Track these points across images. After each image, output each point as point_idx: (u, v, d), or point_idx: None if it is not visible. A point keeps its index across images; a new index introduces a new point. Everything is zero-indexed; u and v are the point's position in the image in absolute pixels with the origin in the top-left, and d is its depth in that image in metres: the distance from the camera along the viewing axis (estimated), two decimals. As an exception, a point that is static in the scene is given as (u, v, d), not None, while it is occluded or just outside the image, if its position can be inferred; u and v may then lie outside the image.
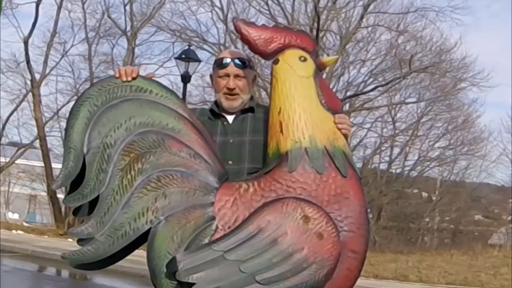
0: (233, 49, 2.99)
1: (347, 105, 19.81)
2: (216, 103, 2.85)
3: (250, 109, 2.82)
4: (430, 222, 26.24)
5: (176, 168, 2.19)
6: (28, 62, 20.75)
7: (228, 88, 2.75)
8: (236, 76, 2.74)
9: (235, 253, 2.08)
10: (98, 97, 2.22)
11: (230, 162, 2.71)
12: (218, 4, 20.37)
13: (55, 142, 23.78)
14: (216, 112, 2.81)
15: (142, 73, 2.34)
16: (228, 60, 2.76)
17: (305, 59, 2.30)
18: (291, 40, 2.31)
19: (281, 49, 2.31)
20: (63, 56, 22.25)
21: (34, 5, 20.80)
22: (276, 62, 2.31)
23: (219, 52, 20.88)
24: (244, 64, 2.76)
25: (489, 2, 41.52)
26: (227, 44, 20.68)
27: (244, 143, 2.81)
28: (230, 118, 2.82)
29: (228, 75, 2.75)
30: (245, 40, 2.32)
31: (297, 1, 19.86)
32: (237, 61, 2.74)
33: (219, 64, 2.78)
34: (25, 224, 24.77)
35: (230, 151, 2.76)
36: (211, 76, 2.91)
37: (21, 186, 28.87)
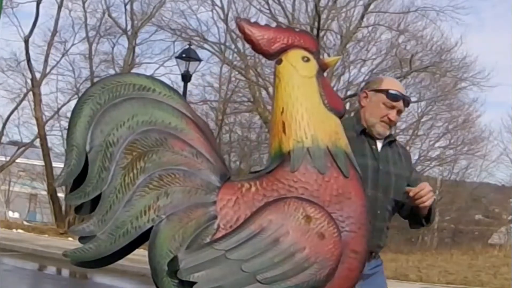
0: (398, 81, 3.26)
1: (348, 104, 19.80)
2: (359, 120, 2.95)
3: (391, 140, 2.98)
4: (430, 221, 26.20)
5: (179, 167, 2.19)
6: (28, 61, 20.78)
7: (389, 119, 2.90)
8: (398, 111, 2.92)
9: (236, 252, 2.08)
10: (101, 95, 2.22)
11: (380, 189, 2.88)
12: (218, 3, 20.42)
13: (55, 141, 23.86)
14: (368, 133, 2.92)
15: (142, 72, 2.34)
16: (400, 96, 2.89)
17: (308, 59, 2.30)
18: (294, 40, 2.31)
19: (284, 49, 2.31)
20: (63, 55, 22.32)
21: (34, 4, 20.85)
22: (279, 62, 2.31)
23: (220, 51, 20.93)
24: (408, 103, 2.95)
25: (495, 2, 41.53)
26: (227, 43, 20.68)
27: (390, 173, 2.94)
28: (379, 144, 2.95)
29: (393, 108, 2.90)
30: (248, 40, 2.32)
31: (297, 1, 19.90)
32: (407, 100, 2.91)
33: (390, 95, 2.88)
34: (25, 223, 24.80)
35: (382, 179, 2.90)
36: (364, 91, 3.00)
37: (21, 185, 28.91)
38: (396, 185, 2.96)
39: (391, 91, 2.92)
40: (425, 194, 2.87)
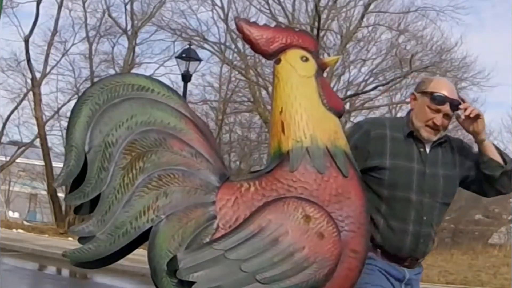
0: (448, 82, 3.00)
1: (348, 104, 19.83)
2: (408, 122, 2.84)
3: (443, 141, 2.87)
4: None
5: (178, 167, 2.19)
6: (28, 61, 20.78)
7: (434, 123, 2.78)
8: (445, 115, 2.78)
9: (235, 252, 2.08)
10: (100, 95, 2.22)
11: (427, 195, 2.79)
12: (218, 3, 20.41)
13: (55, 141, 23.85)
14: (416, 136, 2.81)
15: (142, 72, 2.34)
16: (446, 99, 2.75)
17: (307, 59, 2.30)
18: (293, 40, 2.31)
19: (283, 49, 2.31)
20: (63, 55, 22.32)
21: (34, 4, 20.85)
22: (278, 62, 2.31)
23: (220, 51, 20.95)
24: (457, 106, 2.77)
25: (495, 2, 41.54)
26: (227, 43, 20.68)
27: (437, 175, 2.84)
28: (427, 147, 2.84)
29: (439, 111, 2.77)
30: (247, 40, 2.32)
31: (297, 1, 19.91)
32: (454, 103, 2.76)
33: (433, 99, 2.77)
34: (25, 222, 24.80)
35: (428, 183, 2.80)
36: (413, 92, 2.89)
37: (21, 185, 28.91)
38: (444, 188, 2.87)
39: (435, 95, 2.80)
40: (470, 106, 2.79)
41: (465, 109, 2.80)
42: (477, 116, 2.81)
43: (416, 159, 2.82)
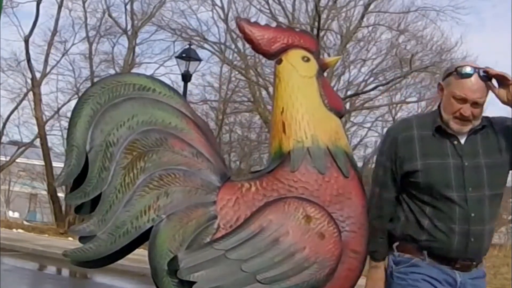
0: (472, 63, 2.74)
1: (348, 104, 19.82)
2: (437, 116, 2.64)
3: (481, 127, 2.63)
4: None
5: (179, 166, 2.19)
6: (28, 60, 20.77)
7: (461, 114, 2.55)
8: (474, 103, 2.54)
9: (236, 252, 2.08)
10: (101, 95, 2.22)
11: (470, 189, 2.57)
12: (218, 3, 20.39)
13: (55, 141, 23.83)
14: (447, 131, 2.61)
15: (142, 72, 2.34)
16: (473, 70, 2.52)
17: (308, 59, 2.30)
18: (294, 40, 2.31)
19: (284, 49, 2.31)
20: (63, 55, 22.29)
21: (35, 4, 20.83)
22: (279, 62, 2.31)
23: (220, 51, 20.95)
24: (487, 75, 2.54)
25: (496, 2, 41.56)
26: (227, 43, 20.67)
27: (479, 166, 2.60)
28: (462, 138, 2.62)
29: (465, 101, 2.54)
30: (248, 40, 2.32)
31: (297, 1, 19.88)
32: (481, 72, 2.53)
33: (461, 73, 2.55)
34: (25, 222, 24.78)
35: (469, 177, 2.58)
36: (440, 84, 2.67)
37: (21, 184, 28.89)
38: (490, 178, 2.61)
39: (459, 69, 2.54)
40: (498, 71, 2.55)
41: (494, 74, 2.56)
42: (506, 80, 2.55)
43: (451, 153, 2.60)
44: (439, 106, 2.69)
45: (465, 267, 2.64)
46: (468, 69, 2.55)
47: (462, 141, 2.62)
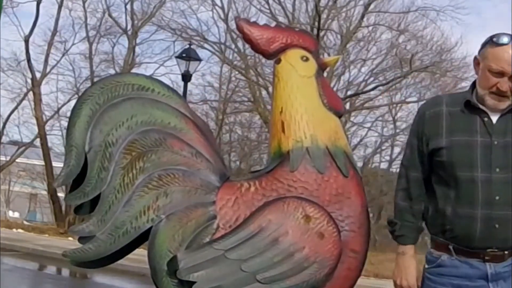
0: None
1: (348, 104, 19.82)
2: (474, 92, 2.49)
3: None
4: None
5: (178, 166, 2.19)
6: (28, 60, 20.79)
7: (498, 89, 2.39)
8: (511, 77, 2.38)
9: (236, 252, 2.08)
10: (100, 95, 2.22)
11: (497, 170, 2.40)
12: (218, 3, 20.41)
13: (55, 140, 23.86)
14: (478, 107, 2.45)
15: (142, 72, 2.34)
16: (508, 39, 2.37)
17: (307, 59, 2.30)
18: (293, 39, 2.31)
19: (283, 49, 2.31)
20: (63, 54, 22.31)
21: (35, 3, 20.85)
22: (278, 61, 2.31)
23: (220, 51, 20.97)
24: None
25: (496, 2, 41.55)
26: (227, 43, 20.68)
27: (509, 146, 2.42)
28: (494, 117, 2.45)
29: (502, 74, 2.38)
30: (247, 40, 2.32)
31: (297, 0, 19.90)
32: None
33: (497, 42, 2.40)
34: (25, 222, 24.79)
35: (496, 156, 2.40)
36: (476, 59, 2.51)
37: (21, 184, 28.90)
38: None
39: (495, 39, 2.40)
40: None
41: None
42: None
43: (480, 131, 2.44)
44: (473, 83, 2.56)
45: (496, 257, 2.44)
46: (505, 39, 2.41)
47: (494, 119, 2.47)
